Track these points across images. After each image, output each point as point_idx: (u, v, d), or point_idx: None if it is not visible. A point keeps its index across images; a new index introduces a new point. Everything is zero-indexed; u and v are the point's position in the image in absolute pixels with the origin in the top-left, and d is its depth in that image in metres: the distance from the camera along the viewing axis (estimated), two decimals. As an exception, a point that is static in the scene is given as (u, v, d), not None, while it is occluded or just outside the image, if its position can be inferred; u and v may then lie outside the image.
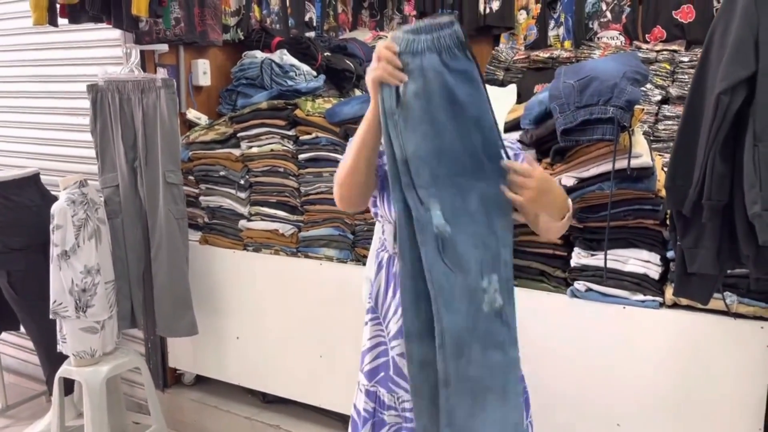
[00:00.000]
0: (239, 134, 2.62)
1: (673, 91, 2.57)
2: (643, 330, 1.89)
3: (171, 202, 2.55)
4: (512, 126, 2.10)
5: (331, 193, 2.41)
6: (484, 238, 1.34)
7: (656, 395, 1.89)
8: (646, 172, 1.84)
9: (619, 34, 3.02)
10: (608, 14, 3.05)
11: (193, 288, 2.65)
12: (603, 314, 1.94)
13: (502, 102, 2.33)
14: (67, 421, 2.64)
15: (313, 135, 2.45)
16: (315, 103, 2.54)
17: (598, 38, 3.05)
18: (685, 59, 2.66)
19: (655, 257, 1.88)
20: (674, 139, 1.56)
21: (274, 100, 2.58)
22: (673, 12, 2.90)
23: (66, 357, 2.52)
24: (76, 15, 2.50)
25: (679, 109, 2.49)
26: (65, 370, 2.51)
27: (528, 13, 3.24)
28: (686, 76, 2.58)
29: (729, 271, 1.62)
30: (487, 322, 1.35)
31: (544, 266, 2.05)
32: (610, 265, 1.90)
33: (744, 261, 1.46)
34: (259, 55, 2.84)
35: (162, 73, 2.65)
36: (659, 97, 2.59)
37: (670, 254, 1.86)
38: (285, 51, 2.85)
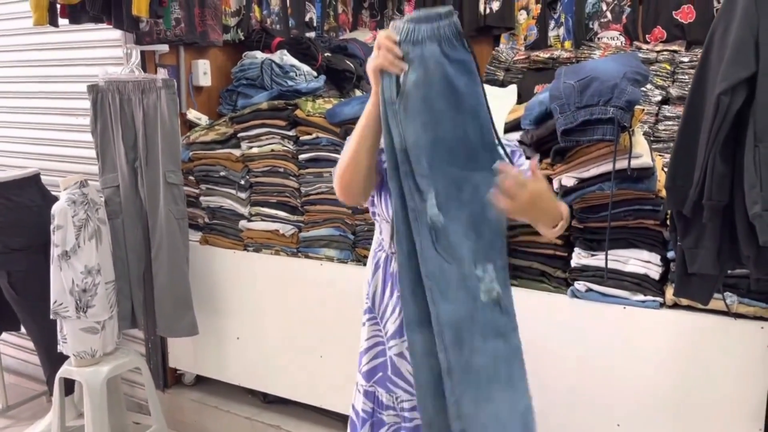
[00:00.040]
0: (239, 134, 2.62)
1: (674, 92, 2.58)
2: (643, 330, 1.89)
3: (171, 203, 2.55)
4: (513, 126, 2.10)
5: (332, 194, 2.43)
6: (478, 227, 1.35)
7: (656, 395, 1.89)
8: (647, 173, 1.84)
9: (620, 34, 3.02)
10: (608, 14, 3.05)
11: (194, 288, 2.65)
12: (603, 314, 1.94)
13: (503, 102, 2.33)
14: (67, 422, 2.64)
15: (314, 135, 2.45)
16: (315, 103, 2.54)
17: (599, 38, 3.05)
18: (686, 60, 2.66)
19: (656, 257, 1.89)
20: (674, 140, 1.56)
21: (275, 101, 2.58)
22: (674, 12, 2.90)
23: (66, 357, 2.53)
24: (76, 15, 2.50)
25: (679, 110, 2.49)
26: (66, 371, 2.51)
27: (528, 14, 3.24)
28: (686, 77, 2.58)
29: (729, 272, 1.62)
30: (486, 311, 1.35)
31: (545, 266, 2.05)
32: (611, 265, 1.90)
33: (744, 261, 1.46)
34: (260, 55, 2.85)
35: (162, 74, 2.65)
36: (659, 98, 2.59)
37: (670, 254, 1.86)
38: (285, 51, 2.85)
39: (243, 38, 3.03)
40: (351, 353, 1.73)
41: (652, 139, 2.47)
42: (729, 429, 1.80)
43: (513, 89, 2.63)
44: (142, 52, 2.64)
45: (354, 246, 2.44)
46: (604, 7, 3.05)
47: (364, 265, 2.20)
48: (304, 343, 2.54)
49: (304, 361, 2.55)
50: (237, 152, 2.63)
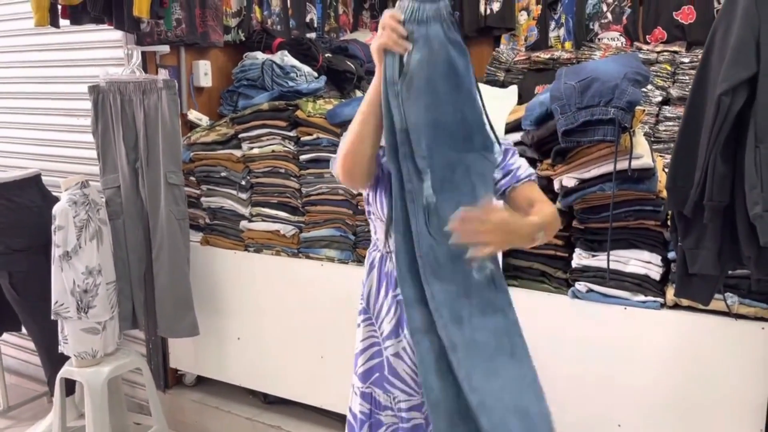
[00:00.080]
0: (240, 135, 2.62)
1: (674, 92, 2.58)
2: (644, 331, 1.89)
3: (172, 203, 2.55)
4: (513, 127, 2.10)
5: (333, 194, 2.45)
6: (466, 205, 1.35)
7: (657, 396, 1.89)
8: (647, 173, 1.85)
9: (620, 35, 3.02)
10: (609, 15, 3.05)
11: (195, 289, 2.65)
12: (604, 315, 1.94)
13: (503, 103, 2.34)
14: (68, 422, 2.64)
15: (315, 136, 2.45)
16: (316, 104, 2.54)
17: (599, 39, 3.05)
18: (686, 60, 2.66)
19: (656, 258, 1.89)
20: (675, 140, 1.57)
21: (275, 101, 2.58)
22: (674, 13, 2.90)
23: (67, 358, 2.53)
24: (77, 16, 2.51)
25: (679, 110, 2.49)
26: (66, 371, 2.51)
27: (529, 14, 3.25)
28: (687, 77, 2.59)
29: (730, 272, 1.62)
30: (481, 288, 1.36)
31: (545, 267, 2.05)
32: (611, 266, 1.90)
33: (745, 262, 1.46)
34: (260, 56, 2.85)
35: (163, 74, 2.65)
36: (660, 98, 2.59)
37: (671, 255, 1.86)
38: (286, 52, 2.85)
39: (244, 39, 3.03)
40: (351, 354, 1.73)
41: (652, 139, 2.47)
42: (730, 429, 1.80)
43: (513, 90, 2.63)
44: (143, 53, 2.64)
45: (355, 246, 2.44)
46: (605, 8, 3.06)
47: (365, 265, 2.20)
48: (305, 344, 2.54)
49: (304, 362, 2.56)
50: (238, 153, 2.63)
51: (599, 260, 1.93)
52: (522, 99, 2.52)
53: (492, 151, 1.39)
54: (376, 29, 3.92)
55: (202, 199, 2.77)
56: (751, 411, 1.77)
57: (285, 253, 2.58)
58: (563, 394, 2.00)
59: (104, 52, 2.77)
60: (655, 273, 1.89)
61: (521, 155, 2.02)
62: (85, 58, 2.84)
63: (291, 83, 2.74)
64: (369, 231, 2.35)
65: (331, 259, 2.48)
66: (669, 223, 1.70)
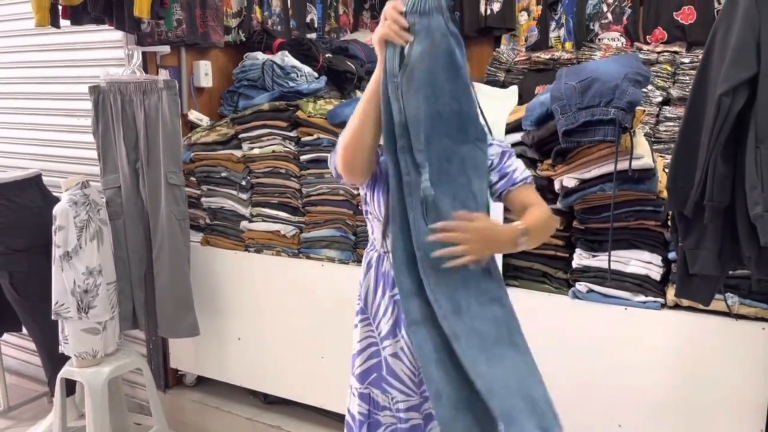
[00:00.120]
0: (241, 135, 2.62)
1: (674, 93, 2.58)
2: (644, 331, 1.89)
3: (173, 203, 2.55)
4: (514, 127, 2.10)
5: (334, 194, 2.45)
6: (465, 200, 1.37)
7: (658, 396, 1.89)
8: (648, 174, 1.85)
9: (620, 35, 3.02)
10: (609, 15, 3.05)
11: (195, 289, 2.65)
12: (604, 315, 1.94)
13: (504, 103, 2.34)
14: (68, 422, 2.64)
15: (315, 136, 2.45)
16: (316, 104, 2.54)
17: (599, 39, 3.05)
18: (686, 60, 2.66)
19: (657, 258, 1.89)
20: (675, 141, 1.57)
21: (276, 102, 2.59)
22: (674, 13, 2.90)
23: (68, 358, 2.53)
24: (78, 16, 2.51)
25: (680, 111, 2.49)
26: (67, 371, 2.51)
27: (529, 15, 3.25)
28: (687, 78, 2.59)
29: (731, 273, 1.62)
30: (476, 279, 1.37)
31: (546, 267, 2.05)
32: (612, 266, 1.90)
33: (746, 262, 1.46)
34: (261, 56, 2.85)
35: (164, 75, 2.66)
36: (660, 99, 2.59)
37: (671, 255, 1.86)
38: (286, 52, 2.85)
39: (244, 39, 3.03)
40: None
41: (653, 140, 2.47)
42: (730, 430, 1.80)
43: (514, 90, 2.63)
44: (144, 53, 2.64)
45: (355, 247, 2.44)
46: (605, 8, 3.06)
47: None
48: (305, 344, 2.55)
49: (305, 362, 2.56)
50: (238, 153, 2.63)
51: (600, 260, 1.94)
52: (522, 99, 2.52)
53: (485, 141, 1.40)
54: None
55: (203, 199, 2.77)
56: (752, 411, 1.77)
57: (285, 253, 2.58)
58: (564, 394, 1.99)
59: (105, 52, 2.77)
60: (656, 273, 1.89)
61: (522, 155, 2.04)
62: (86, 58, 2.84)
63: (291, 83, 2.74)
64: (369, 231, 2.36)
65: (331, 260, 2.48)
66: (669, 223, 1.71)
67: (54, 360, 2.64)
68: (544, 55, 2.99)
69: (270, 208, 2.61)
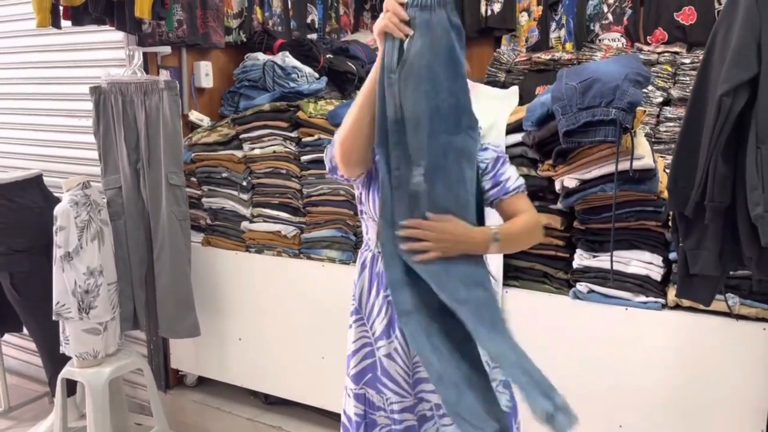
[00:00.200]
0: (241, 136, 2.62)
1: (675, 93, 2.58)
2: (645, 331, 1.89)
3: (173, 204, 2.55)
4: (515, 128, 2.10)
5: (334, 195, 2.45)
6: (456, 189, 1.38)
7: (658, 397, 1.89)
8: (648, 174, 1.85)
9: (621, 36, 3.02)
10: (610, 16, 3.05)
11: (196, 289, 2.65)
12: (605, 316, 1.94)
13: (504, 104, 2.33)
14: (69, 423, 2.65)
15: (316, 137, 2.45)
16: (317, 104, 2.54)
17: (600, 40, 3.05)
18: (687, 61, 2.66)
19: (658, 259, 1.89)
20: (676, 141, 1.57)
21: (277, 102, 2.59)
22: (675, 14, 2.90)
23: (68, 358, 2.53)
24: (79, 17, 2.51)
25: (680, 111, 2.49)
26: (68, 372, 2.51)
27: (529, 15, 3.24)
28: (688, 78, 2.58)
29: (731, 273, 1.62)
30: (460, 264, 1.39)
31: (547, 268, 2.05)
32: (613, 266, 1.90)
33: (746, 263, 1.46)
34: (262, 57, 2.85)
35: (165, 75, 2.66)
36: (661, 99, 2.59)
37: (672, 256, 1.86)
38: (287, 53, 2.85)
39: (245, 40, 3.03)
40: (353, 354, 1.73)
41: (653, 140, 2.47)
42: (731, 430, 1.80)
43: (514, 91, 2.63)
44: (145, 54, 2.65)
45: (356, 247, 2.44)
46: (606, 9, 3.06)
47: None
48: (306, 344, 2.55)
49: (305, 362, 2.56)
50: (239, 153, 2.63)
51: (600, 261, 1.94)
52: (523, 100, 2.52)
53: (476, 129, 1.40)
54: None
55: (204, 199, 2.77)
56: (752, 411, 1.77)
57: (286, 253, 2.58)
58: (565, 394, 1.99)
59: (106, 53, 2.77)
60: (657, 274, 1.89)
61: (523, 156, 2.04)
62: (87, 59, 2.85)
63: (292, 84, 2.74)
64: (370, 232, 2.36)
65: (332, 260, 2.48)
66: (670, 223, 1.71)
67: (55, 360, 2.64)
68: (544, 56, 2.99)
69: (271, 208, 2.61)
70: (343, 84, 3.00)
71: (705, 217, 1.44)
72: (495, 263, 2.06)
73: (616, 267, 1.91)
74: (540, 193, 2.05)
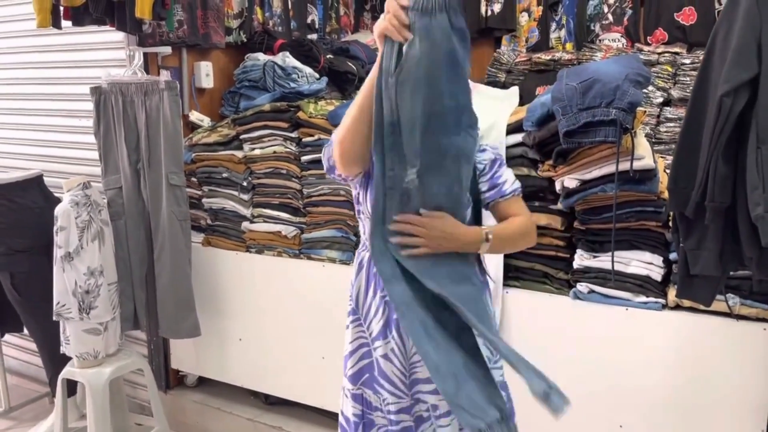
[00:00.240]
0: (242, 136, 2.62)
1: (675, 93, 2.58)
2: (645, 332, 1.89)
3: (174, 204, 2.56)
4: (515, 128, 2.10)
5: (334, 195, 2.45)
6: (450, 186, 1.38)
7: (659, 397, 1.89)
8: (649, 174, 1.85)
9: (621, 36, 3.02)
10: (610, 16, 3.05)
11: (196, 289, 2.65)
12: (605, 316, 1.94)
13: (505, 104, 2.34)
14: (70, 423, 2.65)
15: (316, 137, 2.45)
16: (317, 105, 2.54)
17: (600, 40, 3.05)
18: (687, 61, 2.66)
19: (658, 259, 1.89)
20: (676, 141, 1.57)
21: (277, 102, 2.59)
22: (675, 14, 2.90)
23: (69, 358, 2.53)
24: (79, 17, 2.51)
25: (680, 111, 2.49)
26: (68, 372, 2.51)
27: (529, 16, 3.25)
28: (688, 79, 2.59)
29: (732, 273, 1.62)
30: (448, 260, 1.40)
31: (547, 268, 2.05)
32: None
33: (747, 263, 1.46)
34: (262, 57, 2.85)
35: (165, 76, 2.66)
36: (661, 99, 2.59)
37: (672, 256, 1.86)
38: (287, 53, 2.85)
39: (245, 40, 3.03)
40: (354, 354, 1.73)
41: (653, 140, 2.47)
42: (731, 430, 1.80)
43: (515, 91, 2.63)
44: (145, 54, 2.65)
45: (356, 247, 2.43)
46: (606, 9, 3.06)
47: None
48: (306, 345, 2.55)
49: (305, 363, 2.56)
50: (239, 154, 2.63)
51: (601, 261, 1.94)
52: (523, 100, 2.52)
53: (476, 128, 1.40)
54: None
55: (204, 200, 2.77)
56: (753, 412, 1.77)
57: (286, 254, 2.58)
58: (565, 394, 2.00)
59: (106, 53, 2.77)
60: (657, 274, 1.89)
61: (523, 156, 2.05)
62: (87, 59, 2.85)
63: (292, 84, 2.74)
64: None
65: (332, 260, 2.48)
66: (670, 224, 1.71)
67: (55, 360, 2.64)
68: (544, 56, 2.99)
69: (271, 208, 2.61)
70: (344, 84, 3.00)
71: (705, 217, 1.44)
72: (495, 263, 2.06)
73: (617, 267, 1.91)
74: (540, 193, 2.05)
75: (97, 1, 2.38)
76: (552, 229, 2.02)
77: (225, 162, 2.66)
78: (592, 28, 3.08)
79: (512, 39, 3.29)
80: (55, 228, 2.38)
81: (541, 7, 3.19)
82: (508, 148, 2.06)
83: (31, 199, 2.68)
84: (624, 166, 1.80)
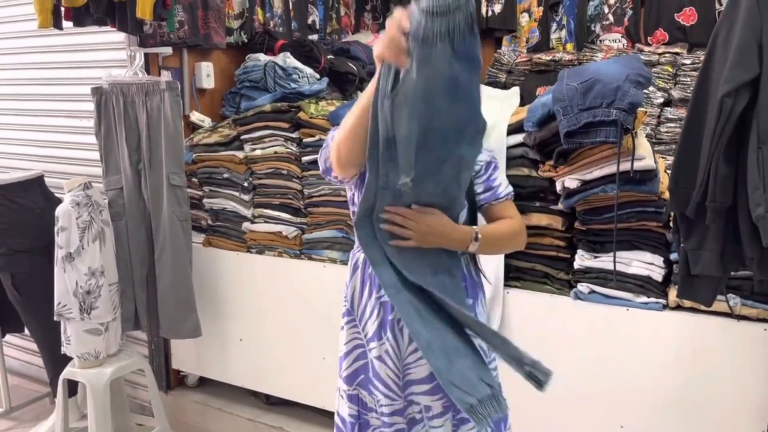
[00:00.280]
0: (243, 137, 2.62)
1: (676, 94, 2.58)
2: (646, 332, 1.89)
3: (175, 204, 2.56)
4: (515, 128, 2.10)
5: (335, 195, 2.45)
6: (447, 186, 1.40)
7: (659, 397, 1.89)
8: (650, 175, 1.85)
9: (621, 36, 3.02)
10: (610, 17, 3.05)
11: (197, 290, 2.66)
12: (606, 316, 1.94)
13: (505, 104, 2.34)
14: (70, 423, 2.65)
15: (317, 137, 2.45)
16: (318, 105, 2.55)
17: (600, 41, 3.06)
18: (688, 62, 2.67)
19: (659, 259, 1.89)
20: (677, 142, 1.57)
21: (278, 103, 2.59)
22: (675, 15, 2.90)
23: (70, 359, 2.53)
24: (80, 18, 2.51)
25: (681, 112, 2.50)
26: (69, 372, 2.51)
27: (530, 16, 3.25)
28: (688, 79, 2.59)
29: (733, 273, 1.62)
30: (433, 254, 1.43)
31: (548, 268, 2.06)
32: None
33: (748, 263, 1.46)
34: (263, 57, 2.85)
35: (166, 76, 2.66)
36: (662, 100, 2.60)
37: (673, 256, 1.86)
38: (288, 54, 2.85)
39: (246, 41, 3.03)
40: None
41: (654, 141, 2.47)
42: (732, 430, 1.80)
43: (515, 91, 2.63)
44: (146, 55, 2.65)
45: (357, 248, 2.44)
46: (606, 10, 3.06)
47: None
48: (307, 345, 2.55)
49: (306, 363, 2.56)
50: (240, 154, 2.63)
51: (601, 261, 1.94)
52: (524, 101, 2.52)
53: (483, 133, 1.39)
54: (378, 31, 3.94)
55: (205, 200, 2.77)
56: (753, 412, 1.77)
57: (287, 254, 2.58)
58: (566, 395, 2.00)
59: (107, 53, 2.78)
60: (658, 274, 1.89)
61: (524, 157, 2.05)
62: (88, 59, 2.85)
63: (293, 85, 2.74)
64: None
65: (333, 261, 2.48)
66: (671, 224, 1.71)
67: (56, 361, 2.64)
68: (545, 57, 2.99)
69: (272, 209, 2.62)
70: (344, 85, 3.00)
71: (706, 217, 1.44)
72: (495, 264, 2.06)
73: (618, 267, 1.91)
74: (541, 193, 2.05)
75: (98, 1, 2.38)
76: (553, 229, 2.02)
77: (226, 162, 2.67)
78: (593, 28, 3.09)
79: (513, 39, 3.30)
80: (56, 228, 2.38)
81: (541, 8, 3.20)
82: (508, 148, 2.06)
83: (32, 200, 2.68)
84: (625, 166, 1.80)
